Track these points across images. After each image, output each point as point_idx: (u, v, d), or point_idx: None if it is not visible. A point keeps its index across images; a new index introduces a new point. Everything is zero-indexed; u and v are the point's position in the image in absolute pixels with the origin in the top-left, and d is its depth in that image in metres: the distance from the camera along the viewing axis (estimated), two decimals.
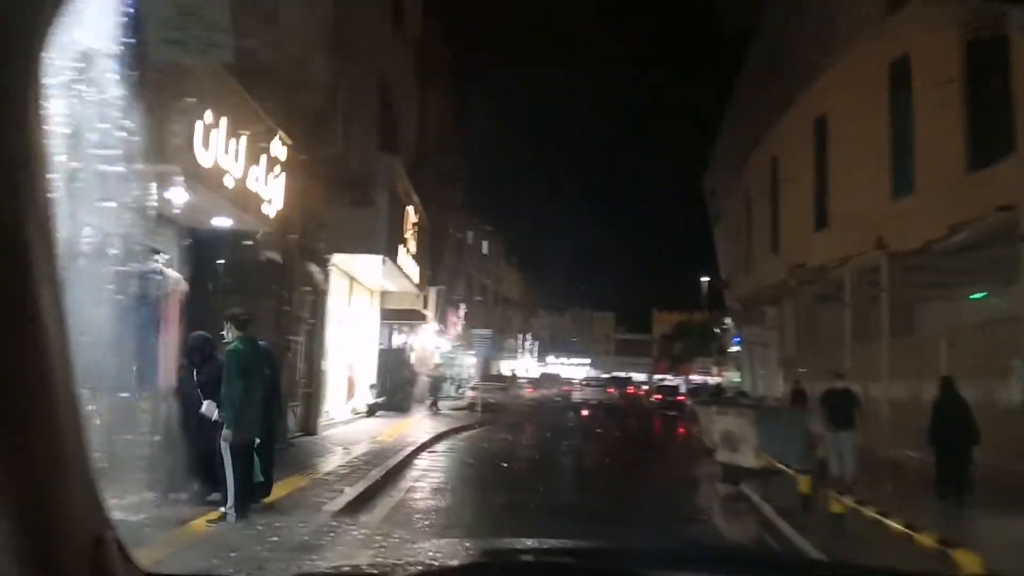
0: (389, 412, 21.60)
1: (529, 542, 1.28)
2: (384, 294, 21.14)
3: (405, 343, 26.31)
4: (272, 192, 9.28)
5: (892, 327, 18.13)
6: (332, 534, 4.82)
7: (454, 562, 0.99)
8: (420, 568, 0.79)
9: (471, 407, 25.38)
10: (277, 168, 9.52)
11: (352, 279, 18.25)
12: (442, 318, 25.75)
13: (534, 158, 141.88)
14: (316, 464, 10.57)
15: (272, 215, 9.41)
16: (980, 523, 9.27)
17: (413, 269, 19.17)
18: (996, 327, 14.55)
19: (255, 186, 8.55)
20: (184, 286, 7.09)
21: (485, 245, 47.84)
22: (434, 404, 24.46)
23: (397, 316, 21.72)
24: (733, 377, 40.32)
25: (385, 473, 10.31)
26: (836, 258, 20.55)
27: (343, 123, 13.90)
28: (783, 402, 23.89)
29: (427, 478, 11.32)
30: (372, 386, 20.33)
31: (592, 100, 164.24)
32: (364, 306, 20.27)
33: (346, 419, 18.09)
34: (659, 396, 36.27)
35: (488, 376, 32.78)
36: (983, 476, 12.62)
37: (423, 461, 13.15)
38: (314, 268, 14.45)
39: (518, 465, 14.23)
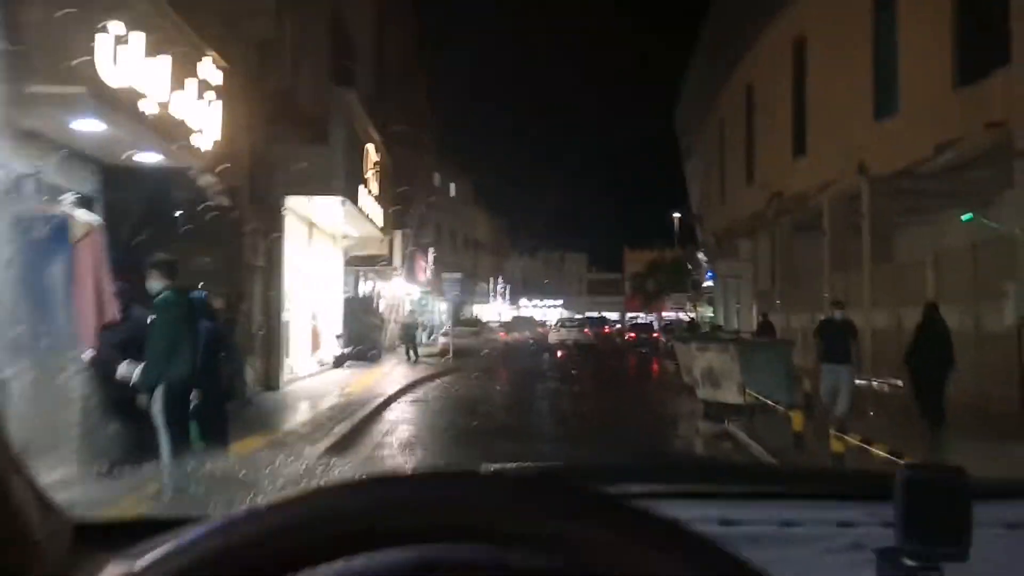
0: (358, 363, 20.81)
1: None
2: (347, 239, 20.11)
3: (373, 290, 25.37)
4: (205, 122, 8.19)
5: (873, 254, 17.60)
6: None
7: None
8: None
9: (443, 354, 24.67)
10: (211, 95, 8.41)
11: (311, 224, 17.20)
12: (410, 263, 24.78)
13: (501, 97, 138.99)
14: (276, 422, 9.77)
15: (207, 148, 8.33)
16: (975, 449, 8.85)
17: (376, 212, 18.13)
18: (984, 250, 14.04)
19: (182, 113, 7.47)
20: (98, 230, 6.10)
21: (453, 187, 46.62)
22: (410, 352, 23.67)
23: (362, 262, 20.72)
24: (706, 313, 40.08)
25: (350, 429, 9.54)
26: (815, 185, 19.89)
27: (293, 54, 12.70)
28: (786, 332, 23.56)
29: (396, 432, 10.60)
30: (338, 336, 19.47)
31: (560, 36, 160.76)
32: (326, 252, 19.25)
33: (312, 372, 17.27)
34: (633, 335, 35.94)
35: (460, 321, 32.05)
36: (968, 403, 12.27)
37: (392, 413, 12.42)
38: (266, 211, 13.41)
39: (491, 413, 13.55)
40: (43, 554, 0.80)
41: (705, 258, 36.18)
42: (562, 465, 1.15)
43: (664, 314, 61.36)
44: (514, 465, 1.41)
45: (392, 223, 20.70)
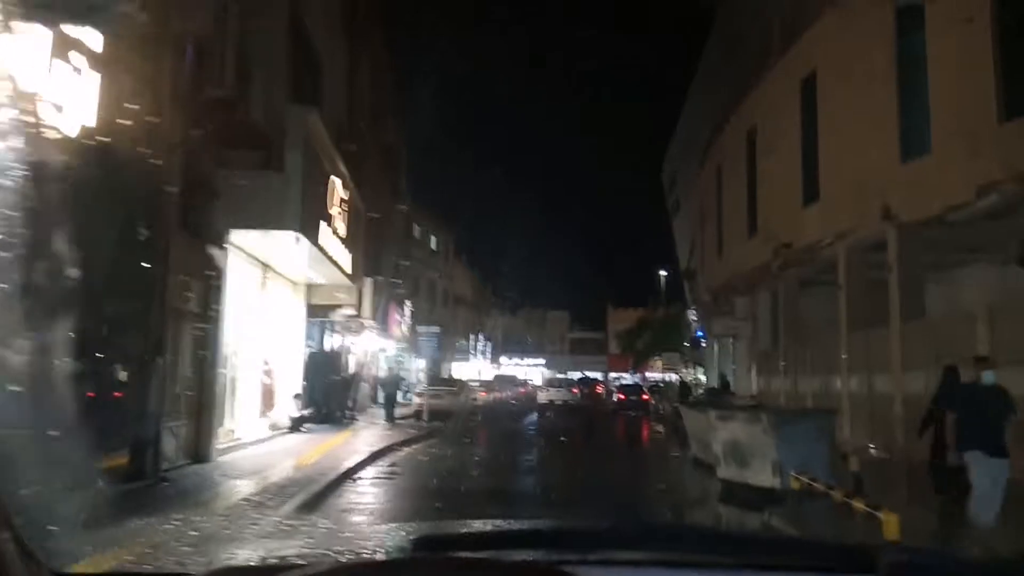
0: (321, 426, 18.38)
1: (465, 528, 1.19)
2: (311, 287, 17.87)
3: (341, 345, 23.03)
4: (71, 95, 5.91)
5: (903, 310, 15.63)
6: None
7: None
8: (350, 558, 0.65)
9: (417, 415, 22.22)
10: (81, 63, 6.15)
11: (265, 266, 14.99)
12: (383, 316, 22.56)
13: (483, 152, 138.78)
14: (170, 514, 7.32)
15: (75, 132, 6.06)
16: None
17: (343, 256, 15.98)
18: None
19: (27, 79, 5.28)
20: None
21: (434, 240, 44.66)
22: (390, 415, 21.32)
23: (327, 313, 18.45)
24: (695, 374, 37.98)
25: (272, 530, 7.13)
26: (829, 235, 18.05)
27: (237, 59, 10.68)
28: (771, 398, 21.37)
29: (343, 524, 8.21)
30: (297, 396, 17.06)
31: (545, 90, 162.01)
32: (284, 300, 16.99)
33: (261, 437, 14.82)
34: (622, 396, 33.66)
35: (437, 380, 29.60)
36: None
37: (343, 497, 10.00)
38: (202, 245, 11.20)
39: (471, 493, 11.13)
40: None
41: (696, 317, 34.28)
42: (542, 527, 1.02)
43: (648, 374, 59.26)
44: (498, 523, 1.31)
45: (362, 270, 18.51)
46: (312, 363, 19.27)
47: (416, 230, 40.49)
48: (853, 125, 17.01)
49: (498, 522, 1.41)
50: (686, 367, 36.57)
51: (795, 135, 19.58)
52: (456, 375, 40.50)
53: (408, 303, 28.41)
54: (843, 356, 18.08)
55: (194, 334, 11.39)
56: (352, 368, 25.01)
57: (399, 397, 26.38)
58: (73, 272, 6.06)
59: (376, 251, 22.69)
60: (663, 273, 49.54)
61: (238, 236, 12.40)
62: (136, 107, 8.13)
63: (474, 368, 51.13)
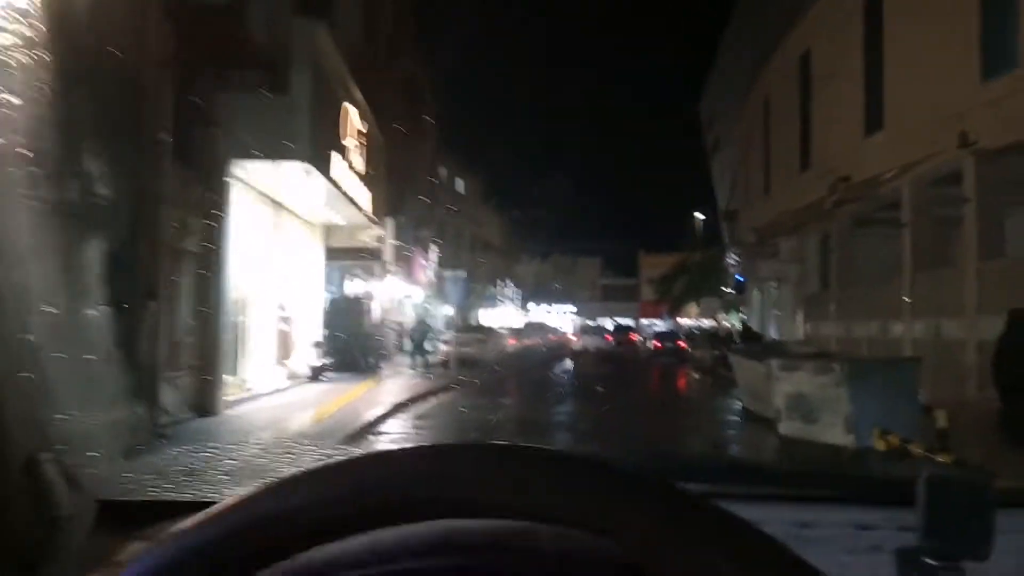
0: (343, 375, 17.46)
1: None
2: (329, 229, 16.72)
3: (364, 291, 22.00)
4: None
5: (980, 248, 14.05)
6: None
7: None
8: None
9: (444, 364, 21.21)
10: None
11: (277, 204, 13.83)
12: (408, 260, 21.37)
13: (511, 93, 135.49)
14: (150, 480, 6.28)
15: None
16: None
17: (362, 194, 14.76)
18: None
19: None
20: None
21: (461, 184, 43.22)
22: (422, 362, 20.51)
23: (347, 255, 17.32)
24: (731, 320, 36.47)
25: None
26: (894, 166, 16.36)
27: None
28: (821, 344, 19.95)
29: None
30: (317, 344, 16.07)
31: (574, 27, 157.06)
32: (300, 243, 15.88)
33: (278, 387, 13.86)
34: (657, 343, 32.39)
35: (465, 327, 28.60)
36: None
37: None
38: (202, 178, 10.04)
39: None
40: (68, 530, 0.84)
41: (736, 260, 32.62)
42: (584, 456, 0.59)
43: (681, 320, 57.69)
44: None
45: (384, 210, 17.30)
46: (333, 310, 18.27)
47: (442, 173, 39.09)
48: (925, 42, 15.19)
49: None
50: (728, 313, 35.05)
51: (856, 57, 17.75)
52: (484, 322, 39.57)
53: (434, 247, 27.19)
54: (905, 299, 16.59)
55: (196, 277, 10.31)
56: (376, 315, 24.05)
57: (427, 345, 25.51)
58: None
59: (399, 191, 21.43)
60: (700, 216, 47.66)
61: (243, 169, 11.20)
62: (115, 14, 6.88)
63: (503, 315, 50.14)
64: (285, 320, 15.40)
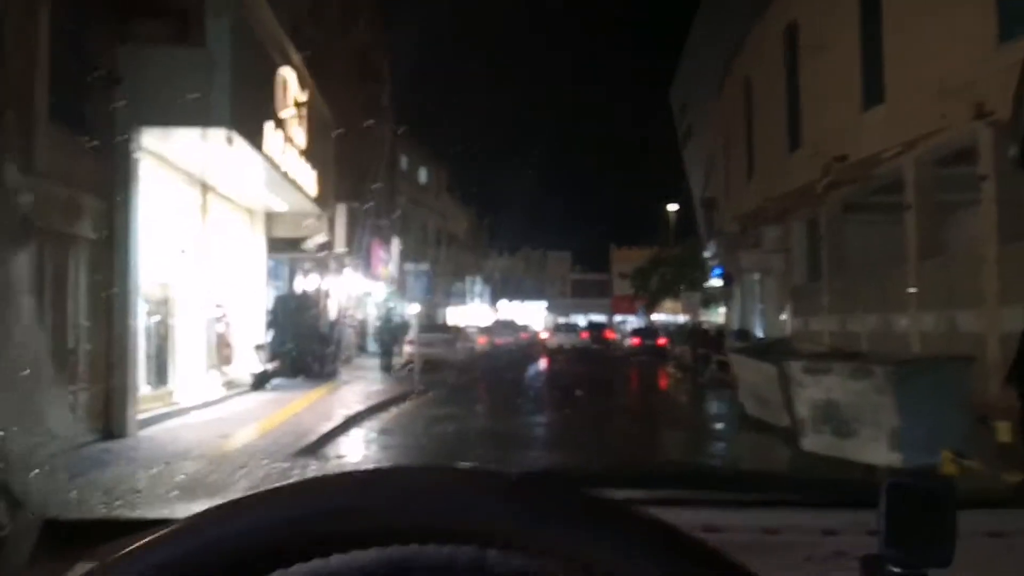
0: (293, 381, 15.64)
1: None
2: (272, 217, 14.82)
3: (318, 287, 20.12)
4: None
5: (1000, 232, 12.64)
6: None
7: None
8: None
9: (407, 367, 19.39)
10: None
11: (205, 186, 11.92)
12: (366, 253, 19.47)
13: (476, 84, 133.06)
14: None
15: None
16: None
17: (306, 175, 12.91)
18: None
19: None
20: None
21: (424, 173, 41.27)
22: (386, 364, 18.85)
23: (293, 247, 15.40)
24: (711, 316, 35.11)
25: None
26: (897, 143, 14.93)
27: None
28: (815, 340, 18.51)
29: None
30: (260, 347, 14.16)
31: (543, 19, 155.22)
32: (238, 232, 13.98)
33: (211, 399, 11.95)
34: (637, 340, 30.90)
35: (431, 326, 26.75)
36: None
37: None
38: (95, 149, 8.13)
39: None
40: (12, 550, 0.83)
41: (710, 254, 31.24)
42: (544, 470, 1.01)
43: (655, 316, 56.36)
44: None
45: (333, 195, 15.43)
46: (281, 308, 16.36)
47: (404, 161, 37.13)
48: (929, 4, 13.77)
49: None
50: (707, 307, 33.67)
51: (852, 23, 16.29)
52: (452, 321, 37.78)
53: (396, 240, 25.25)
54: (911, 290, 15.20)
55: (90, 269, 8.41)
56: (333, 313, 22.14)
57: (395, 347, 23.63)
58: None
59: (353, 176, 19.55)
60: (673, 208, 46.33)
61: (156, 139, 9.31)
62: None
63: (471, 312, 48.32)
64: (221, 321, 13.50)
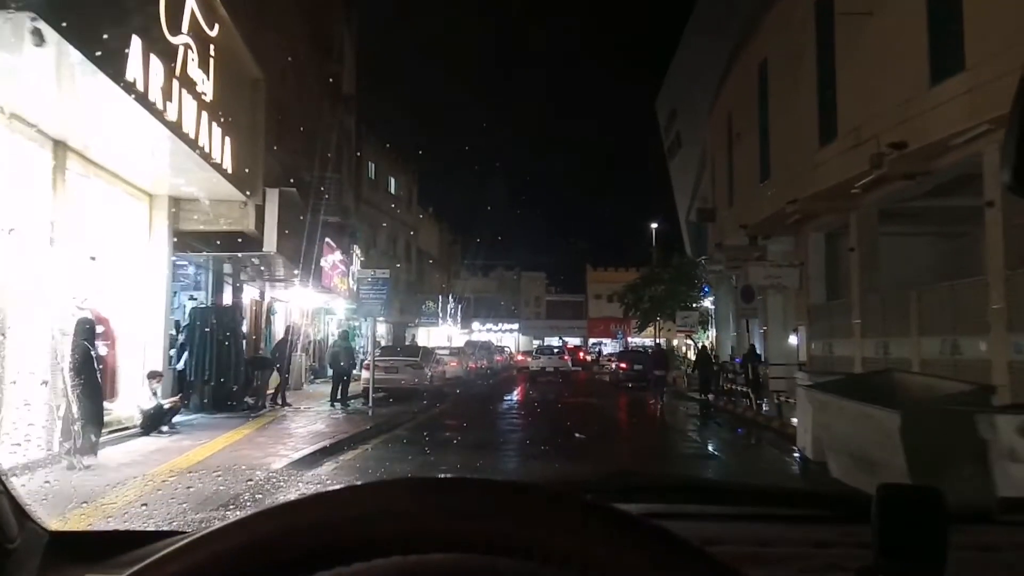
0: (211, 417, 12.15)
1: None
2: (179, 204, 11.27)
3: (271, 302, 16.58)
4: None
5: None
6: None
7: None
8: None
9: (364, 398, 15.80)
10: None
11: (64, 148, 8.38)
12: (314, 258, 15.84)
13: (449, 95, 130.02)
14: None
15: None
16: None
17: (213, 138, 9.42)
18: None
19: None
20: None
21: (393, 183, 37.83)
22: (339, 396, 15.42)
23: (208, 243, 11.80)
24: (699, 338, 32.00)
25: None
26: (982, 121, 11.83)
27: None
28: (840, 367, 15.28)
29: None
30: (153, 375, 10.51)
31: (518, 32, 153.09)
32: (124, 220, 10.42)
33: (64, 452, 8.30)
34: (624, 365, 27.60)
35: (395, 348, 23.15)
36: None
37: None
38: None
39: None
40: (19, 562, 0.83)
41: (715, 267, 28.13)
42: (540, 483, 0.85)
43: (630, 340, 53.29)
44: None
45: (266, 177, 11.90)
46: (199, 323, 12.78)
47: (372, 169, 33.69)
48: None
49: None
50: (705, 329, 30.54)
51: None
52: (420, 342, 34.21)
53: (357, 249, 21.65)
54: (994, 306, 12.08)
55: None
56: (278, 332, 18.51)
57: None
58: None
59: (299, 163, 16.08)
60: (655, 226, 43.51)
61: None
62: None
63: (443, 334, 44.70)
64: (102, 340, 9.89)
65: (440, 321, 45.54)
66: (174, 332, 13.11)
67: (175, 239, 11.31)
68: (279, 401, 14.89)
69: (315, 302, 22.24)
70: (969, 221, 14.39)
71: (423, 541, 0.44)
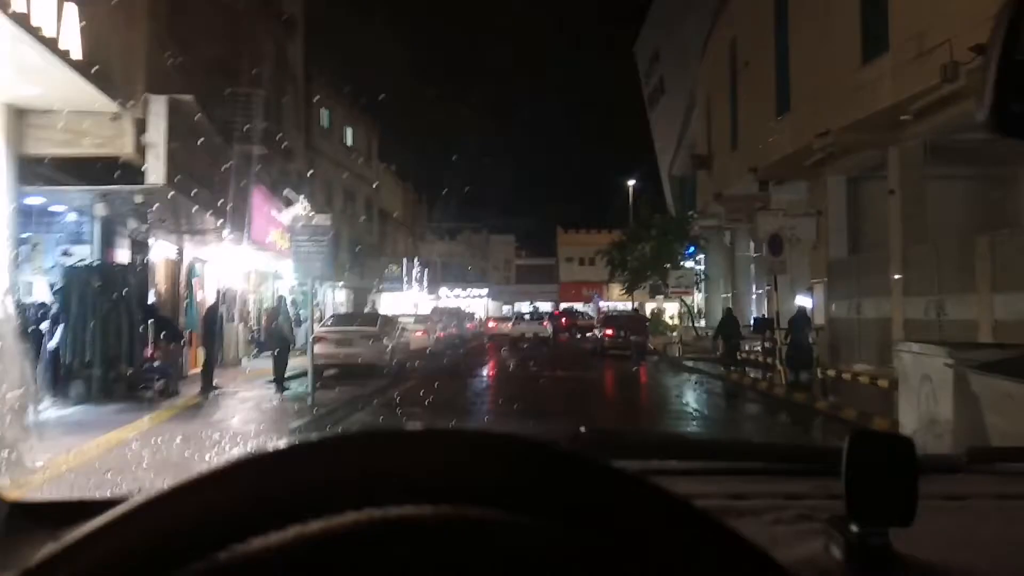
0: (96, 410, 9.07)
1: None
2: (25, 117, 7.94)
3: (180, 256, 13.29)
4: None
5: None
6: None
7: None
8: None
9: (317, 375, 12.64)
10: None
11: None
12: (240, 201, 12.48)
13: (418, 57, 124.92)
14: None
15: None
16: None
17: (60, 12, 6.13)
18: None
19: None
20: None
21: (350, 134, 34.23)
22: (278, 377, 12.33)
23: (83, 176, 8.52)
24: (692, 301, 29.40)
25: None
26: None
27: None
28: (937, 333, 12.51)
29: None
30: None
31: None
32: None
33: None
34: (610, 332, 24.87)
35: (348, 316, 20.03)
36: None
37: None
38: None
39: None
40: None
41: (709, 222, 25.33)
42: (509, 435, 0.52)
43: (603, 304, 50.75)
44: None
45: (146, 78, 8.58)
46: (76, 287, 9.56)
47: (325, 116, 30.09)
48: None
49: None
50: (699, 289, 27.88)
51: None
52: (386, 309, 31.05)
53: (302, 198, 18.23)
54: None
55: None
56: (204, 298, 15.25)
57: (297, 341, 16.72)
58: None
59: (218, 78, 12.73)
60: (631, 182, 40.67)
61: None
62: None
63: (409, 300, 41.49)
64: None
65: (405, 286, 42.30)
66: (44, 300, 9.92)
67: (20, 167, 8.01)
68: (205, 384, 11.78)
69: (254, 263, 18.98)
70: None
71: (407, 493, 0.41)
